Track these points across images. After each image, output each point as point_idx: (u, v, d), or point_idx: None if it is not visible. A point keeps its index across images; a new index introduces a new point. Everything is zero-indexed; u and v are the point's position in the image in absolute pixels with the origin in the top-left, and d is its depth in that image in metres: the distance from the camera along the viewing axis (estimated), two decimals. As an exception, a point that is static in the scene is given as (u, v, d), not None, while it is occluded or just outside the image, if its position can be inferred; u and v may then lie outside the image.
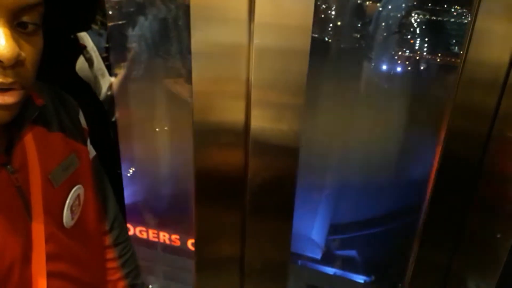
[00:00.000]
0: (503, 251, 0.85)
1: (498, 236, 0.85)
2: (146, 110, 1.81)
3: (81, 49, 1.19)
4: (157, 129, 1.83)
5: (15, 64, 0.50)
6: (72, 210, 0.69)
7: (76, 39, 1.14)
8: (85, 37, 1.35)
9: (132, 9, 1.55)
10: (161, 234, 1.88)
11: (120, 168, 1.31)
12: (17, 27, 0.51)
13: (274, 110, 0.87)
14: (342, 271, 1.89)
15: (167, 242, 1.88)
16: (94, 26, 1.43)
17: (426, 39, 1.63)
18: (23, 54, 0.51)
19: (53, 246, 0.65)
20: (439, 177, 0.87)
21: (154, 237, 1.88)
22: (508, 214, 0.84)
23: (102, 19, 1.47)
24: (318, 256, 1.89)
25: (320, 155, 1.72)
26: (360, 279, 1.87)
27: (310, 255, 1.89)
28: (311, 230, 1.87)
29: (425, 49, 1.65)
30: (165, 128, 1.83)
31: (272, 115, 0.87)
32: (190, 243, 1.86)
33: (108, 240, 0.86)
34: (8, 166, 0.59)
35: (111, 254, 0.87)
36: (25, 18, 0.52)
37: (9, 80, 0.51)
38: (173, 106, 1.76)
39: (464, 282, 0.93)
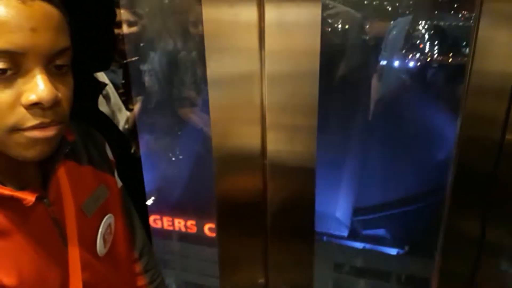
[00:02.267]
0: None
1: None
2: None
3: (102, 86, 1.25)
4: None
5: (53, 104, 0.55)
6: (104, 239, 0.72)
7: (97, 78, 1.19)
8: (100, 75, 1.41)
9: (144, 44, 1.61)
10: (176, 221, 1.81)
11: (145, 198, 1.33)
12: (52, 70, 0.56)
13: (288, 132, 0.89)
14: (371, 245, 1.79)
15: (183, 229, 1.80)
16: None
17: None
18: (59, 94, 0.55)
19: (89, 275, 0.68)
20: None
21: (169, 225, 1.81)
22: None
23: (116, 57, 1.53)
24: (345, 233, 1.79)
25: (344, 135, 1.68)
26: (392, 251, 1.75)
27: (336, 233, 1.80)
28: (335, 209, 1.78)
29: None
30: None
31: (287, 137, 0.90)
32: (207, 228, 1.79)
33: (138, 267, 0.88)
34: (45, 200, 0.63)
35: (142, 281, 0.89)
36: (58, 61, 0.56)
37: (49, 119, 0.55)
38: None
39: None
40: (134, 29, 1.48)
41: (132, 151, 1.40)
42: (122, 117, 1.48)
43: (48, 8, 0.54)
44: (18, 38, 0.51)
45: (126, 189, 0.84)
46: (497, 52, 0.77)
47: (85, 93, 0.63)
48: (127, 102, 1.50)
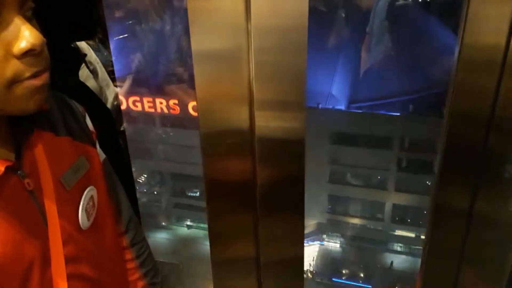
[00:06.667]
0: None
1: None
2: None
3: (82, 57, 1.23)
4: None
5: (42, 49, 0.54)
6: (87, 211, 0.71)
7: (77, 49, 1.18)
8: (87, 50, 1.39)
9: (131, 22, 1.58)
10: (158, 101, 1.62)
11: (131, 173, 1.33)
12: (26, 15, 0.54)
13: (277, 107, 0.88)
14: (372, 110, 1.63)
15: (165, 111, 1.63)
16: (92, 43, 1.47)
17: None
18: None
19: (71, 248, 0.67)
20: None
21: (150, 107, 1.62)
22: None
23: (101, 36, 1.51)
24: (342, 107, 1.68)
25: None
26: (396, 112, 1.63)
27: (333, 106, 1.67)
28: (331, 86, 1.67)
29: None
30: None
31: (275, 112, 0.89)
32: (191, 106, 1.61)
33: (125, 241, 0.88)
34: (18, 172, 0.62)
35: (128, 255, 0.89)
36: (29, 4, 0.55)
37: (41, 66, 0.55)
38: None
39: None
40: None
41: (120, 127, 1.40)
42: (111, 93, 1.47)
43: None
44: None
45: (111, 163, 0.84)
46: (489, 24, 0.76)
47: (64, 62, 0.61)
48: (114, 80, 1.49)
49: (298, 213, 0.99)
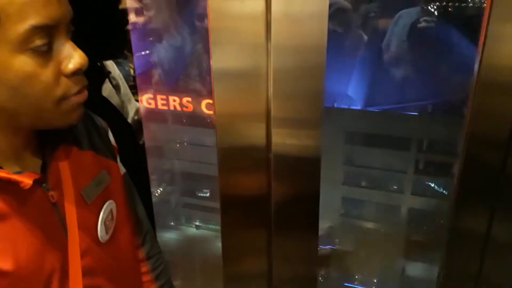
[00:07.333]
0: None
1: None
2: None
3: (106, 74, 1.27)
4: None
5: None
6: (106, 225, 0.73)
7: (103, 66, 1.22)
8: (111, 65, 1.44)
9: (153, 39, 1.63)
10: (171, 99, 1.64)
11: (149, 186, 1.35)
12: (69, 36, 0.60)
13: (293, 125, 0.89)
14: (390, 109, 1.56)
15: (178, 108, 1.65)
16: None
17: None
18: None
19: (89, 261, 0.69)
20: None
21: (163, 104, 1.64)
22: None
23: (125, 51, 1.55)
24: (358, 107, 1.62)
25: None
26: (414, 111, 1.55)
27: (348, 106, 1.62)
28: (346, 87, 1.63)
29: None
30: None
31: (292, 130, 0.90)
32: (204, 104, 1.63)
33: (141, 253, 0.89)
34: (43, 184, 0.64)
35: (144, 267, 0.90)
36: (71, 28, 0.61)
37: (84, 83, 0.62)
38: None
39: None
40: (141, 19, 1.51)
41: (141, 142, 1.43)
42: (132, 108, 1.51)
43: None
44: (51, 11, 0.55)
45: (130, 177, 0.85)
46: (508, 46, 0.75)
47: (89, 79, 0.65)
48: (135, 94, 1.53)
49: (311, 231, 0.98)
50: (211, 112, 1.62)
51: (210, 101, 1.61)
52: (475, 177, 0.86)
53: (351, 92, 1.66)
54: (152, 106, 1.61)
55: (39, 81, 0.56)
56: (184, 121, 1.74)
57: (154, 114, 1.65)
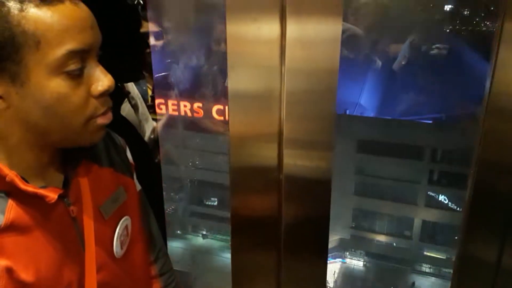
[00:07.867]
0: None
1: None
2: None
3: (126, 94, 1.31)
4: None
5: None
6: (121, 240, 0.75)
7: (122, 86, 1.27)
8: (130, 86, 1.49)
9: (171, 60, 1.68)
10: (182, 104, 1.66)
11: (163, 203, 1.37)
12: (97, 60, 0.64)
13: (305, 147, 0.91)
14: (403, 117, 1.50)
15: (189, 114, 1.67)
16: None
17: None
18: None
19: (104, 275, 0.70)
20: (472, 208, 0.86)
21: (174, 110, 1.67)
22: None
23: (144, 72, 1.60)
24: (370, 114, 1.59)
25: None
26: (428, 119, 1.50)
27: (360, 113, 1.58)
28: (359, 96, 1.59)
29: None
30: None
31: (303, 152, 0.91)
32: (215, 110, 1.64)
33: (154, 270, 0.90)
34: (65, 199, 0.66)
35: (157, 284, 0.90)
36: (99, 52, 0.64)
37: (109, 104, 0.65)
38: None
39: None
40: (160, 42, 1.56)
41: (156, 160, 1.45)
42: (149, 127, 1.55)
43: (86, 7, 0.62)
44: (85, 37, 0.59)
45: (145, 194, 0.87)
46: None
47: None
48: (153, 113, 1.57)
49: (321, 255, 0.98)
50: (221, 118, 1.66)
51: (221, 107, 1.65)
52: (486, 204, 0.86)
53: (364, 101, 1.66)
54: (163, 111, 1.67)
55: (71, 102, 0.60)
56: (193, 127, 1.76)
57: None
